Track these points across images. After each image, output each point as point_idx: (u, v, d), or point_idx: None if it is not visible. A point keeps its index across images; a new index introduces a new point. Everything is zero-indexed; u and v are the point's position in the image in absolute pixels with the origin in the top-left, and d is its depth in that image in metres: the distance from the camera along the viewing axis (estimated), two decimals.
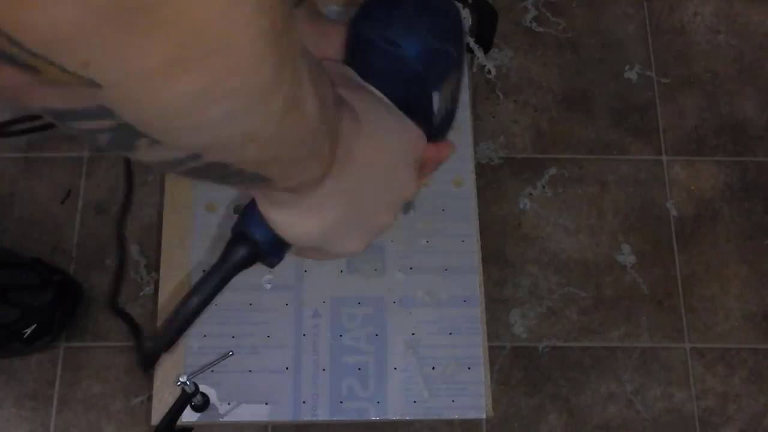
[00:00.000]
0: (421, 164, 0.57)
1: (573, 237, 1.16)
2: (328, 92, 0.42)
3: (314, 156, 0.43)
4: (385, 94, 0.51)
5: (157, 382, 0.81)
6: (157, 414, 0.79)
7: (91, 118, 0.30)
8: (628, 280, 1.15)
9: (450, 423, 1.07)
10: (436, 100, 0.51)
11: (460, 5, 0.51)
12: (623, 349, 1.12)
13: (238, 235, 0.53)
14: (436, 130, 0.54)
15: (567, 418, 1.09)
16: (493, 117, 1.22)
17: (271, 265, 0.54)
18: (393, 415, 0.80)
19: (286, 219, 0.50)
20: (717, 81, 1.26)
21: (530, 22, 1.27)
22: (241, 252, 0.53)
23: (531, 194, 1.18)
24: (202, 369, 0.78)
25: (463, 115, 0.93)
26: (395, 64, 0.48)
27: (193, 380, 0.76)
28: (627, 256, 1.15)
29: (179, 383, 0.75)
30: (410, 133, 0.52)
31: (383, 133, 0.50)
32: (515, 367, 1.11)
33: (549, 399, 1.09)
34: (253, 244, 0.52)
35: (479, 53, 0.98)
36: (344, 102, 0.47)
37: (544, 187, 1.18)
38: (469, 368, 0.82)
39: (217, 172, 0.39)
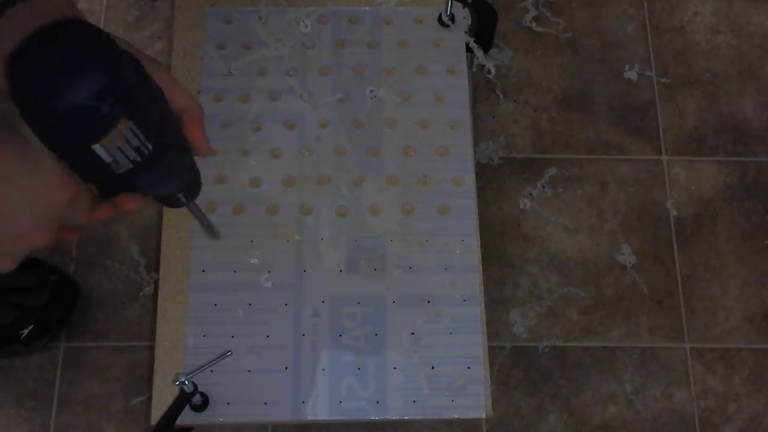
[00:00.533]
0: (92, 210, 0.55)
1: (573, 237, 1.16)
2: None
3: None
4: (45, 142, 0.49)
5: (157, 382, 0.81)
6: (157, 414, 0.79)
7: None
8: (628, 280, 1.14)
9: (450, 423, 1.07)
10: (103, 154, 0.49)
11: (119, 63, 0.48)
12: (623, 349, 1.12)
13: None
14: (126, 181, 0.52)
15: (567, 418, 1.09)
16: (493, 117, 1.22)
17: None
18: (392, 415, 0.80)
19: None
20: (717, 81, 1.26)
21: (530, 22, 1.27)
22: None
23: (531, 194, 1.18)
24: (202, 369, 0.78)
25: (463, 114, 0.93)
26: (39, 113, 0.47)
27: (192, 380, 0.76)
28: (627, 256, 1.15)
29: (178, 383, 0.75)
30: (45, 182, 0.50)
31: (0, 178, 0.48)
32: (515, 367, 1.10)
33: (549, 399, 1.09)
34: None
35: (479, 53, 0.98)
36: None
37: (544, 187, 1.18)
38: (469, 368, 0.82)
39: None
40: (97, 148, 0.47)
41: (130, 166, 0.50)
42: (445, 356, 0.83)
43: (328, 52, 0.96)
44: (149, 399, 1.00)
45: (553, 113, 1.23)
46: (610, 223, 1.17)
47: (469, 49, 0.98)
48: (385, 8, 0.98)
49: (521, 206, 1.17)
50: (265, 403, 0.80)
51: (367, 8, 0.98)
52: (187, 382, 0.76)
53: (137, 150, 0.49)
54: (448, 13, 0.96)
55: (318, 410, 0.80)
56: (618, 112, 1.23)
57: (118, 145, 0.48)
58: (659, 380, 1.11)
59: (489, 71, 1.05)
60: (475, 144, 1.18)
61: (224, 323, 0.83)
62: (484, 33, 1.01)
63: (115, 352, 1.09)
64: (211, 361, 0.79)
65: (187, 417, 0.79)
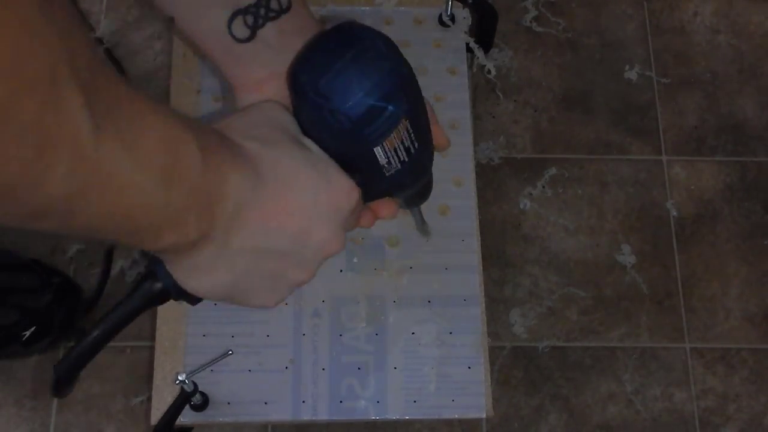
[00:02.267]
0: (359, 217, 0.56)
1: (573, 237, 1.16)
2: (187, 161, 0.40)
3: (174, 224, 0.41)
4: (324, 147, 0.50)
5: (157, 382, 0.81)
6: (157, 413, 0.79)
7: None
8: (628, 280, 1.15)
9: (450, 423, 1.07)
10: (380, 155, 0.49)
11: (402, 61, 0.49)
12: (623, 349, 1.12)
13: (150, 273, 0.51)
14: (390, 183, 0.53)
15: (567, 418, 1.09)
16: (493, 117, 1.22)
17: (191, 302, 0.53)
18: (393, 415, 0.80)
19: (179, 274, 0.49)
20: (717, 81, 1.26)
21: (530, 22, 1.27)
22: (150, 289, 0.51)
23: (531, 194, 1.18)
24: (202, 368, 0.78)
25: (463, 114, 0.93)
26: (328, 117, 0.47)
27: (192, 379, 0.76)
28: (627, 256, 1.15)
29: (178, 382, 0.75)
30: (335, 190, 0.50)
31: (296, 192, 0.48)
32: (515, 367, 1.10)
33: (549, 399, 1.09)
34: (161, 285, 0.50)
35: (479, 53, 0.98)
36: (238, 161, 0.45)
37: (544, 187, 1.18)
38: (469, 368, 0.82)
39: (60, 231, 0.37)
40: (377, 150, 0.48)
41: (399, 167, 0.51)
42: (445, 356, 0.82)
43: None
44: (149, 399, 1.00)
45: (553, 113, 1.23)
46: (610, 223, 1.17)
47: (469, 49, 0.98)
48: (385, 8, 0.98)
49: (521, 206, 1.17)
50: (266, 403, 0.80)
51: (367, 8, 0.98)
52: (187, 382, 0.76)
53: (407, 150, 0.50)
54: (449, 13, 0.96)
55: (318, 410, 0.80)
56: (618, 112, 1.23)
57: (395, 146, 0.49)
58: (659, 380, 1.11)
59: (489, 71, 1.05)
60: (475, 144, 1.18)
61: (224, 323, 0.83)
62: (484, 33, 1.01)
63: (115, 352, 1.09)
64: (211, 361, 0.79)
65: (187, 417, 0.79)
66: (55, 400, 1.06)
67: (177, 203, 0.40)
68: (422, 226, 0.77)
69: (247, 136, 0.47)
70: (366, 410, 0.80)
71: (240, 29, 0.50)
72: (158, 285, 0.51)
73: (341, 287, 0.85)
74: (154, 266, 0.50)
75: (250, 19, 0.50)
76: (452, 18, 0.97)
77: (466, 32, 0.98)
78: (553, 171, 1.19)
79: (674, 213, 1.18)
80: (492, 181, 1.18)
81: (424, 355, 0.83)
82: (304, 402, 0.80)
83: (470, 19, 0.99)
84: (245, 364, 0.81)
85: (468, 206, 0.89)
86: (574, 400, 1.09)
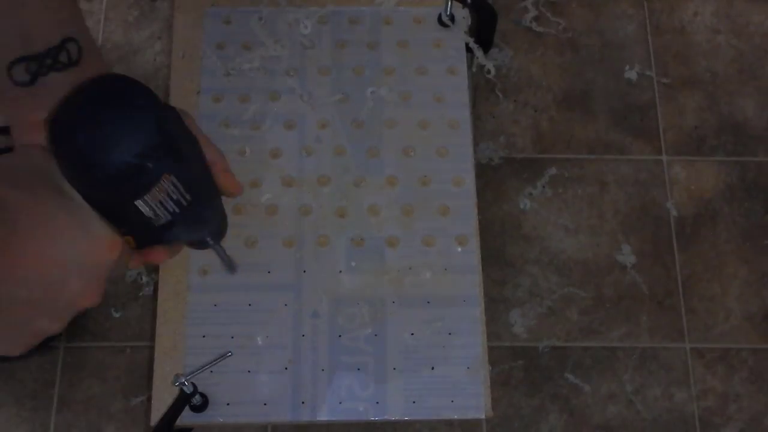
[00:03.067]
0: (127, 262, 0.55)
1: (573, 237, 1.16)
2: None
3: None
4: (86, 198, 0.49)
5: (157, 383, 0.81)
6: (156, 414, 0.79)
7: None
8: (628, 280, 1.14)
9: (450, 423, 1.07)
10: (144, 209, 0.48)
11: (165, 117, 0.48)
12: (623, 349, 1.12)
13: None
14: (163, 232, 0.52)
15: (567, 418, 1.09)
16: (493, 117, 1.22)
17: None
18: (392, 416, 0.80)
19: None
20: (717, 81, 1.26)
21: (530, 22, 1.27)
22: None
23: (531, 194, 1.18)
24: (201, 369, 0.78)
25: (463, 115, 0.93)
26: (84, 171, 0.46)
27: (191, 380, 0.76)
28: (627, 256, 1.15)
29: (178, 383, 0.75)
30: (95, 242, 0.49)
31: (51, 241, 0.47)
32: (515, 367, 1.10)
33: (549, 399, 1.09)
34: None
35: (479, 53, 0.98)
36: None
37: (544, 187, 1.18)
38: (468, 368, 0.82)
39: None
40: (139, 203, 0.47)
41: (170, 218, 0.51)
42: (445, 356, 0.83)
43: (327, 52, 0.96)
44: (149, 399, 1.00)
45: (553, 113, 1.23)
46: (610, 223, 1.17)
47: (469, 49, 0.98)
48: (385, 8, 0.98)
49: (521, 206, 1.17)
50: (265, 404, 0.80)
51: (367, 8, 0.98)
52: (186, 383, 0.76)
53: (177, 202, 0.50)
54: (448, 13, 0.96)
55: (318, 411, 0.80)
56: (618, 112, 1.23)
57: (159, 200, 0.48)
58: (659, 380, 1.11)
59: (489, 71, 1.05)
60: (475, 144, 1.18)
61: (224, 324, 0.83)
62: (484, 33, 1.01)
63: (115, 352, 1.09)
64: (210, 362, 0.79)
65: (186, 417, 0.79)
66: (55, 400, 1.06)
67: None
68: (226, 263, 0.74)
69: (5, 182, 0.46)
70: (365, 411, 0.81)
71: (20, 73, 0.50)
72: None
73: (340, 288, 0.85)
74: None
75: (33, 67, 0.50)
76: (452, 18, 0.97)
77: (466, 32, 0.98)
78: (553, 171, 1.19)
79: (674, 213, 1.18)
80: (492, 181, 1.18)
81: (423, 356, 0.83)
82: (303, 403, 0.80)
83: (470, 19, 0.99)
84: (245, 365, 0.81)
85: (468, 206, 0.89)
86: (574, 400, 1.09)
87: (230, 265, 0.75)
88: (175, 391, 0.79)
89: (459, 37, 0.97)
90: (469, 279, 0.86)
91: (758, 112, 1.24)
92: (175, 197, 0.49)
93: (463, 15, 0.98)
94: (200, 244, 0.64)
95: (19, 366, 1.07)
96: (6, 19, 0.50)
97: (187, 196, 0.50)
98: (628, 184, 1.19)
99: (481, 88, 1.23)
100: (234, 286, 0.85)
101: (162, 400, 0.80)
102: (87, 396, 1.07)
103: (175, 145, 0.48)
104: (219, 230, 0.64)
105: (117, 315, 1.09)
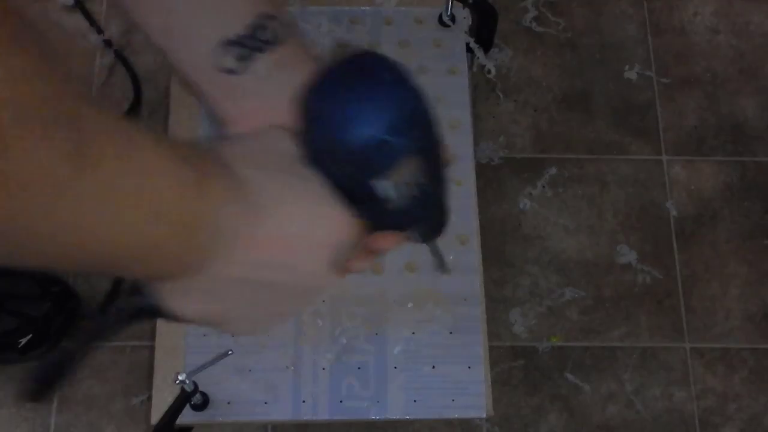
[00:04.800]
0: (362, 252, 0.54)
1: (573, 237, 1.16)
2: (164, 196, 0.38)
3: (162, 256, 0.40)
4: (328, 177, 0.49)
5: (157, 382, 0.81)
6: (157, 413, 0.79)
7: None
8: (628, 280, 1.15)
9: (450, 423, 1.07)
10: (384, 189, 0.48)
11: (416, 96, 0.47)
12: (623, 349, 1.12)
13: (136, 288, 0.49)
14: (395, 217, 0.52)
15: (567, 418, 1.09)
16: (493, 117, 1.22)
17: (177, 320, 0.52)
18: (393, 415, 0.80)
19: (167, 298, 0.47)
20: (717, 81, 1.26)
21: (530, 22, 1.27)
22: (134, 305, 0.49)
23: (531, 194, 1.18)
24: (202, 368, 0.78)
25: (464, 115, 0.93)
26: (332, 147, 0.46)
27: (192, 379, 0.76)
28: (627, 256, 1.15)
29: (178, 382, 0.75)
30: (334, 225, 0.49)
31: (293, 226, 0.47)
32: (515, 367, 1.10)
33: (549, 399, 1.09)
34: (149, 303, 0.49)
35: (479, 53, 0.98)
36: (234, 190, 0.43)
37: (544, 187, 1.18)
38: (469, 367, 0.82)
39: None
40: (382, 183, 0.47)
41: (405, 202, 0.50)
42: (445, 356, 0.82)
43: (328, 52, 0.96)
44: (149, 399, 1.00)
45: (553, 113, 1.23)
46: (610, 223, 1.17)
47: (469, 49, 0.98)
48: (385, 8, 0.98)
49: (521, 206, 1.17)
50: (266, 403, 0.80)
51: (367, 8, 0.98)
52: (187, 381, 0.76)
53: (415, 186, 0.49)
54: (449, 13, 0.96)
55: (318, 410, 0.80)
56: (618, 112, 1.23)
57: (400, 180, 0.48)
58: (659, 380, 1.11)
59: (489, 71, 1.05)
60: (475, 144, 1.18)
61: None
62: (484, 33, 1.01)
63: (115, 352, 1.09)
64: (211, 361, 0.79)
65: (187, 416, 0.79)
66: (55, 400, 1.06)
67: (166, 236, 0.39)
68: (440, 262, 0.75)
69: (245, 164, 0.45)
70: (366, 410, 0.80)
71: (228, 61, 0.49)
72: (138, 303, 0.49)
73: (341, 287, 0.85)
74: (142, 284, 0.49)
75: (238, 51, 0.49)
76: (452, 18, 0.97)
77: (466, 32, 0.98)
78: (553, 171, 1.19)
79: (674, 213, 1.18)
80: (492, 181, 1.18)
81: (424, 355, 0.82)
82: (304, 402, 0.80)
83: (470, 19, 0.99)
84: (246, 363, 0.81)
85: (468, 206, 0.89)
86: (574, 400, 1.09)
87: (443, 265, 0.75)
88: (176, 390, 0.78)
89: (459, 37, 0.97)
90: (470, 278, 0.86)
91: (758, 112, 1.24)
92: (414, 180, 0.48)
93: (463, 15, 0.98)
94: (423, 237, 0.62)
95: (19, 366, 1.07)
96: (199, 6, 0.48)
97: (425, 180, 0.49)
98: (628, 184, 1.19)
99: (481, 88, 1.23)
100: None
101: (162, 399, 0.80)
102: (87, 396, 1.07)
103: (422, 125, 0.48)
104: (445, 221, 0.61)
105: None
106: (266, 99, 0.50)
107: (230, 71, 0.49)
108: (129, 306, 0.49)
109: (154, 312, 0.48)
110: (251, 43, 0.48)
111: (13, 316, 1.03)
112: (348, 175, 0.47)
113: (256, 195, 0.44)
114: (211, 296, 0.47)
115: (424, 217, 0.56)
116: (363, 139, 0.45)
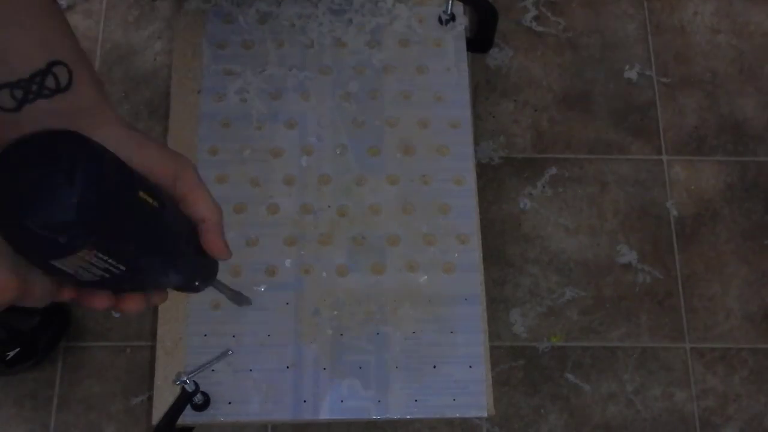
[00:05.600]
0: (59, 294, 0.51)
1: (573, 237, 1.16)
2: None
3: None
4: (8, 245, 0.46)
5: (158, 382, 0.81)
6: (158, 413, 0.78)
7: None
8: (628, 280, 1.15)
9: (450, 423, 1.07)
10: (65, 267, 0.44)
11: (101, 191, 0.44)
12: (623, 349, 1.12)
13: None
14: (102, 285, 0.48)
15: (567, 418, 1.09)
16: (493, 117, 1.22)
17: None
18: (394, 414, 0.80)
19: None
20: (717, 81, 1.26)
21: (530, 21, 1.27)
22: None
23: (531, 194, 1.18)
24: (203, 368, 0.78)
25: (464, 114, 0.93)
26: (4, 225, 0.43)
27: (193, 379, 0.76)
28: (627, 256, 1.15)
29: (179, 382, 0.75)
30: None
31: None
32: (515, 367, 1.10)
33: (549, 399, 1.09)
34: None
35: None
36: None
37: (544, 186, 1.18)
38: (470, 367, 0.82)
39: None
40: (56, 263, 0.44)
41: (97, 279, 0.47)
42: (446, 355, 0.82)
43: (328, 51, 0.96)
44: (149, 399, 1.00)
45: (553, 113, 1.23)
46: (610, 223, 1.17)
47: (469, 49, 0.98)
48: (385, 8, 0.98)
49: (521, 206, 1.17)
50: (267, 403, 0.80)
51: (367, 8, 0.98)
52: (188, 382, 0.76)
53: (105, 269, 0.46)
54: (449, 12, 0.96)
55: (319, 409, 0.80)
56: (618, 111, 1.23)
57: (80, 265, 0.45)
58: (659, 380, 1.11)
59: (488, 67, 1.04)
60: (476, 144, 1.18)
61: (225, 323, 0.83)
62: (484, 32, 1.01)
63: (115, 352, 1.08)
64: (212, 361, 0.79)
65: (188, 416, 0.79)
66: (55, 400, 1.06)
67: None
68: (234, 299, 0.71)
69: None
70: (367, 410, 0.80)
71: (5, 99, 0.47)
72: None
73: (342, 287, 0.85)
74: None
75: (19, 93, 0.47)
76: (452, 17, 0.97)
77: (466, 32, 0.98)
78: (553, 171, 1.19)
79: (674, 213, 1.18)
80: (492, 180, 1.18)
81: (424, 355, 0.82)
82: (305, 401, 0.80)
83: (470, 18, 0.99)
84: (246, 363, 0.81)
85: (469, 205, 0.89)
86: (574, 400, 1.09)
87: (239, 300, 0.72)
88: (177, 391, 0.78)
89: (459, 36, 0.97)
90: (471, 277, 0.86)
91: (758, 112, 1.24)
92: (102, 266, 0.46)
93: (463, 14, 0.98)
94: (187, 289, 0.59)
95: (19, 366, 1.07)
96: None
97: (120, 267, 0.47)
98: (628, 184, 1.19)
99: (481, 88, 1.23)
100: (235, 285, 0.85)
101: (163, 399, 0.80)
102: (87, 396, 1.06)
103: (101, 223, 0.44)
104: (198, 278, 0.58)
105: (117, 315, 1.09)
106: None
107: (8, 110, 0.48)
108: None
109: None
110: (33, 88, 0.48)
111: (1, 329, 1.02)
112: (22, 252, 0.44)
113: None
114: None
115: (144, 285, 0.53)
116: (25, 232, 0.42)
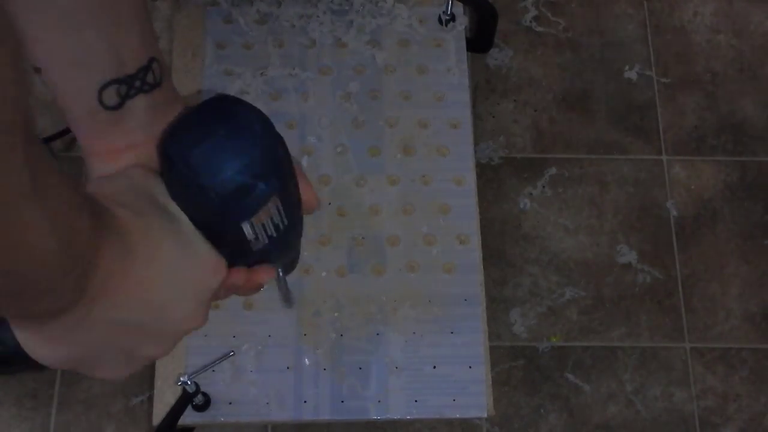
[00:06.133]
0: (232, 289, 0.54)
1: (573, 237, 1.16)
2: (71, 227, 0.38)
3: (56, 289, 0.39)
4: (191, 219, 0.49)
5: (159, 382, 0.81)
6: (159, 414, 0.79)
7: None
8: (628, 280, 1.15)
9: (450, 423, 1.07)
10: (248, 231, 0.48)
11: (276, 141, 0.48)
12: (623, 349, 1.12)
13: None
14: (257, 255, 0.52)
15: (567, 418, 1.09)
16: (493, 117, 1.22)
17: (32, 370, 0.51)
18: (394, 414, 0.80)
19: (27, 340, 0.46)
20: (717, 81, 1.26)
21: (530, 21, 1.27)
22: None
23: (531, 194, 1.18)
24: (204, 369, 0.78)
25: (464, 114, 0.93)
26: (196, 191, 0.46)
27: (194, 380, 0.76)
28: (627, 256, 1.15)
29: (180, 383, 0.75)
30: (202, 266, 0.49)
31: (163, 266, 0.47)
32: (515, 367, 1.10)
33: (549, 399, 1.09)
34: (2, 347, 0.48)
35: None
36: (111, 229, 0.43)
37: (544, 186, 1.18)
38: (470, 367, 0.82)
39: None
40: (245, 225, 0.47)
41: (267, 242, 0.50)
42: (446, 356, 0.83)
43: (328, 52, 0.96)
44: (149, 399, 1.00)
45: (553, 113, 1.23)
46: (610, 223, 1.17)
47: (469, 49, 0.98)
48: (385, 8, 0.98)
49: (521, 206, 1.17)
50: (267, 403, 0.80)
51: (367, 8, 0.98)
52: (189, 382, 0.76)
53: (276, 226, 0.49)
54: (449, 12, 0.96)
55: (319, 410, 0.80)
56: (618, 112, 1.23)
57: (263, 222, 0.48)
58: (659, 380, 1.11)
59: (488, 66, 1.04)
60: (476, 144, 1.18)
61: (226, 323, 0.83)
62: (484, 33, 1.01)
63: None
64: (212, 362, 0.79)
65: (188, 417, 0.79)
66: (55, 400, 1.06)
67: (67, 268, 0.38)
68: (286, 296, 0.73)
69: (116, 203, 0.45)
70: (367, 410, 0.80)
71: (110, 97, 0.49)
72: (8, 346, 0.48)
73: (342, 287, 0.85)
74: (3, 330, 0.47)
75: (123, 89, 0.49)
76: (452, 17, 0.97)
77: (466, 31, 0.98)
78: (553, 171, 1.19)
79: (674, 213, 1.18)
80: (492, 180, 1.18)
81: (425, 355, 0.83)
82: (305, 402, 0.80)
83: (470, 18, 0.99)
84: (247, 364, 0.81)
85: (469, 205, 0.89)
86: (574, 400, 1.09)
87: (289, 300, 0.74)
88: (177, 391, 0.78)
89: (459, 36, 0.97)
90: (471, 278, 0.86)
91: (758, 112, 1.24)
92: (276, 221, 0.49)
93: (463, 14, 0.98)
94: (285, 271, 0.63)
95: (18, 367, 1.07)
96: (100, 40, 0.48)
97: (285, 221, 0.50)
98: (628, 184, 1.19)
99: (481, 88, 1.23)
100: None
101: (164, 400, 0.80)
102: (87, 396, 1.06)
103: (283, 168, 0.49)
104: (294, 261, 0.63)
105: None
106: (134, 138, 0.51)
107: (108, 107, 0.50)
108: None
109: (6, 360, 0.48)
110: (136, 83, 0.50)
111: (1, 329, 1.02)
112: (212, 217, 0.47)
113: (127, 234, 0.44)
114: (77, 340, 0.46)
115: (280, 257, 0.56)
116: (229, 184, 0.45)
